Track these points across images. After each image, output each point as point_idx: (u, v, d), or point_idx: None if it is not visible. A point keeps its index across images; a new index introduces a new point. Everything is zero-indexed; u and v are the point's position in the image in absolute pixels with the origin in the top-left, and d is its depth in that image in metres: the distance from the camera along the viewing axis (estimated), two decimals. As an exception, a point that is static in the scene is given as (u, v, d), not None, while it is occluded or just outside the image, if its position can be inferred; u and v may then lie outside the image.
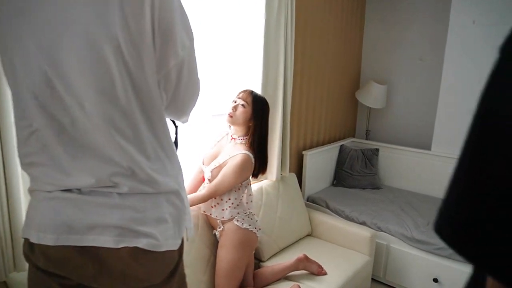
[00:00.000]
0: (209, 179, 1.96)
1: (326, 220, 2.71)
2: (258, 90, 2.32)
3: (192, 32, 0.93)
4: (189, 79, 0.94)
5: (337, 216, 2.81)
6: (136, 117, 0.87)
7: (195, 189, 2.02)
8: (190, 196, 1.93)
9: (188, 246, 1.93)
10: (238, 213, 1.95)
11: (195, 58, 0.96)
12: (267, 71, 2.35)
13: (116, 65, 0.81)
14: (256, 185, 2.50)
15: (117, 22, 0.79)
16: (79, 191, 0.88)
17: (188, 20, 0.91)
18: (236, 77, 2.31)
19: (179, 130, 1.24)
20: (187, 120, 1.11)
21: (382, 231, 2.59)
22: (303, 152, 3.00)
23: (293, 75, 2.76)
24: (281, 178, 2.64)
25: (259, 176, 2.03)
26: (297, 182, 2.80)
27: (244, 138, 1.97)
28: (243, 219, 1.94)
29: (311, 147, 3.17)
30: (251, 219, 1.99)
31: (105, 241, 0.86)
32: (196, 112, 2.08)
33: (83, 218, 0.86)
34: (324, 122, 3.30)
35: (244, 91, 1.98)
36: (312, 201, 3.01)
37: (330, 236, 2.66)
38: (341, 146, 3.41)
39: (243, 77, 2.34)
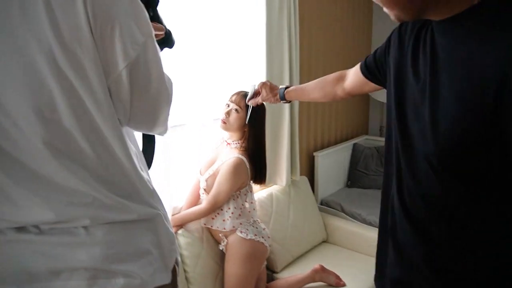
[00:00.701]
0: (204, 189, 1.82)
1: (342, 225, 2.54)
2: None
3: (148, 25, 0.74)
4: (148, 83, 0.76)
5: (354, 220, 2.63)
6: (85, 137, 0.71)
7: (195, 201, 1.88)
8: (191, 211, 1.80)
9: (194, 260, 1.80)
10: (240, 223, 1.80)
11: (155, 56, 0.77)
12: (271, 69, 2.20)
13: (52, 76, 0.66)
14: (265, 192, 2.34)
15: (44, 20, 0.63)
16: (38, 229, 0.73)
17: (142, 11, 0.74)
18: (237, 76, 2.15)
19: (155, 144, 1.08)
20: (164, 131, 0.92)
21: (403, 234, 2.40)
22: (314, 154, 2.83)
23: (300, 72, 2.60)
24: (291, 183, 2.49)
25: (259, 183, 1.88)
26: (309, 185, 2.64)
27: (239, 141, 1.83)
28: (247, 230, 1.79)
29: (322, 147, 3.00)
30: (257, 228, 1.84)
31: (76, 286, 0.72)
32: (194, 116, 1.95)
33: (45, 263, 0.72)
34: (334, 120, 3.12)
35: (237, 93, 1.83)
36: (326, 205, 2.84)
37: (347, 242, 2.49)
38: (354, 144, 3.23)
39: (245, 76, 2.19)
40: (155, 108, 0.81)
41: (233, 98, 1.81)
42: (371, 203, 2.76)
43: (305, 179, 2.63)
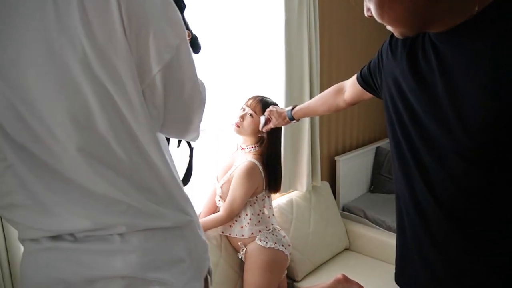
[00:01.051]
0: (220, 196, 1.78)
1: (365, 232, 2.45)
2: (282, 93, 2.12)
3: (182, 27, 0.72)
4: (182, 87, 0.74)
5: (377, 227, 2.53)
6: (120, 143, 0.70)
7: (213, 209, 1.84)
8: (208, 218, 1.77)
9: (212, 269, 1.75)
10: (259, 231, 1.75)
11: (188, 59, 0.74)
12: (290, 74, 2.15)
13: (87, 83, 0.64)
14: (285, 198, 2.29)
15: (78, 24, 0.61)
16: (73, 237, 0.72)
17: (176, 13, 0.71)
18: (256, 80, 2.11)
19: (193, 152, 1.07)
20: (196, 137, 0.91)
21: (430, 243, 2.29)
22: (336, 158, 2.75)
23: (320, 75, 2.53)
24: (312, 188, 2.42)
25: (274, 191, 1.83)
26: (330, 191, 2.56)
27: (253, 146, 1.79)
28: (267, 238, 1.74)
29: (344, 151, 2.92)
30: (276, 236, 1.79)
31: None
32: (211, 121, 1.92)
33: (81, 272, 0.71)
34: (357, 123, 3.03)
35: (254, 98, 1.79)
36: (348, 211, 2.76)
37: (370, 250, 2.40)
38: (377, 148, 3.13)
39: (264, 80, 2.15)
40: (188, 113, 0.79)
41: (249, 102, 1.77)
42: (395, 209, 2.65)
43: (326, 185, 2.55)
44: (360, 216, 2.66)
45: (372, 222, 2.58)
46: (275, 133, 1.78)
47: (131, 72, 0.67)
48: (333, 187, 2.77)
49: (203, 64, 1.82)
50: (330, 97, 1.39)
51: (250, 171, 1.71)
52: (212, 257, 1.75)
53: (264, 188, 1.78)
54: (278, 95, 2.16)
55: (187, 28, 0.99)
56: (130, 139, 0.71)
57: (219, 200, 1.80)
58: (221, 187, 1.79)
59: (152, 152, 0.74)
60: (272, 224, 1.80)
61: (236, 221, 1.77)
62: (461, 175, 0.80)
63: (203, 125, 1.87)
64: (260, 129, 1.65)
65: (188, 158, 1.05)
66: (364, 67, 1.15)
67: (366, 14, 0.81)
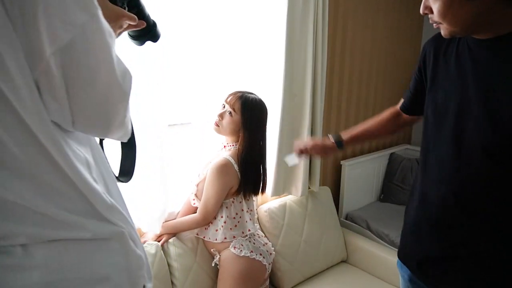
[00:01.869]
0: (196, 195, 1.65)
1: (365, 246, 2.25)
2: (279, 89, 1.94)
3: (91, 2, 0.58)
4: (92, 75, 0.60)
5: (380, 240, 2.32)
6: (16, 142, 0.58)
7: (192, 209, 1.71)
8: (184, 219, 1.65)
9: (185, 273, 1.64)
10: (234, 236, 1.61)
11: (101, 42, 0.60)
12: (291, 68, 1.97)
13: None
14: (278, 202, 2.13)
15: None
16: None
17: None
18: (251, 73, 1.95)
19: (136, 150, 0.92)
20: (124, 136, 0.75)
21: (435, 265, 2.05)
22: (342, 162, 2.55)
23: (329, 74, 2.34)
24: (310, 194, 2.24)
25: (251, 194, 1.66)
26: (331, 197, 2.37)
27: (234, 145, 1.64)
28: (242, 245, 1.60)
29: (354, 155, 2.71)
30: (254, 243, 1.64)
31: None
32: (198, 115, 1.79)
33: None
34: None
35: (234, 94, 1.63)
36: (351, 220, 2.55)
37: (369, 265, 2.20)
38: (391, 154, 2.89)
39: (260, 73, 1.98)
40: (105, 108, 0.65)
41: (229, 99, 1.61)
42: (402, 223, 2.42)
43: (326, 190, 2.36)
44: (362, 226, 2.45)
45: (375, 235, 2.37)
46: (252, 129, 1.61)
47: (16, 57, 0.54)
48: (337, 193, 2.58)
49: (196, 57, 1.69)
50: (389, 122, 1.36)
51: (222, 168, 1.57)
52: (185, 261, 1.65)
53: (242, 189, 1.63)
54: (275, 91, 1.99)
55: (144, 12, 0.89)
56: (27, 137, 0.59)
57: (194, 199, 1.67)
58: (197, 185, 1.66)
59: (55, 153, 0.62)
60: (249, 230, 1.64)
61: (211, 223, 1.64)
62: (485, 173, 0.90)
63: (189, 118, 1.76)
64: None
65: (121, 152, 0.91)
66: (403, 100, 1.25)
67: (422, 12, 0.89)
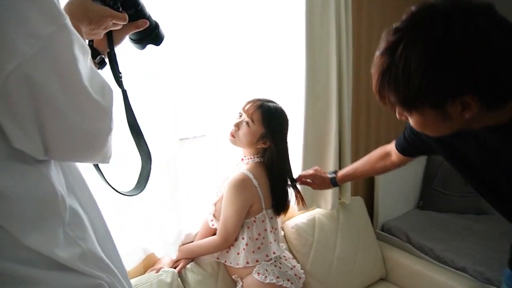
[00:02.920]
0: (214, 215, 1.49)
1: (406, 262, 2.01)
2: (301, 92, 1.76)
3: (58, 11, 0.50)
4: (62, 94, 0.51)
5: (423, 255, 2.08)
6: None
7: (211, 230, 1.54)
8: (202, 242, 1.50)
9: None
10: (257, 260, 1.43)
11: (71, 56, 0.51)
12: (313, 70, 1.78)
13: None
14: (305, 216, 1.93)
15: None
16: None
17: None
18: (271, 77, 1.77)
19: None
20: (105, 158, 0.65)
21: (492, 284, 1.79)
22: (374, 168, 2.32)
23: (355, 72, 2.14)
24: (340, 206, 2.03)
25: (278, 212, 1.49)
26: (365, 208, 2.15)
27: (252, 157, 1.46)
28: (267, 270, 1.42)
29: (387, 160, 2.47)
30: (280, 267, 1.46)
31: None
32: (212, 127, 1.63)
33: None
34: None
35: (253, 102, 1.46)
36: (388, 231, 2.32)
37: (411, 283, 1.96)
38: (429, 156, 2.63)
39: (280, 77, 1.81)
40: (84, 129, 0.56)
41: (246, 107, 1.44)
42: (447, 234, 2.17)
43: (359, 201, 2.15)
44: (401, 239, 2.21)
45: (417, 249, 2.12)
46: (276, 140, 1.44)
47: None
48: (371, 202, 2.36)
49: (206, 59, 1.53)
50: (377, 162, 1.38)
51: (240, 184, 1.40)
52: (205, 289, 1.48)
53: (264, 206, 1.45)
54: (296, 94, 1.81)
55: (143, 14, 0.83)
56: None
57: (212, 220, 1.51)
58: (215, 205, 1.50)
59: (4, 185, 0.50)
60: (274, 253, 1.46)
61: (232, 245, 1.47)
62: None
63: (203, 130, 1.61)
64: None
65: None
66: (398, 139, 1.21)
67: (398, 117, 0.84)
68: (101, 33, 0.76)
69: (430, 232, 2.20)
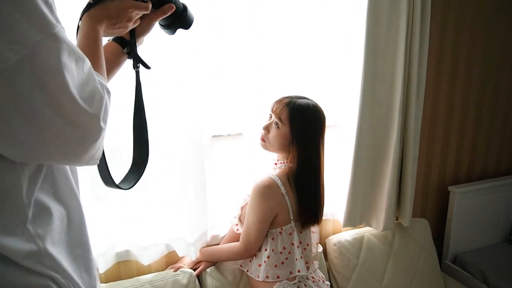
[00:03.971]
0: (239, 219, 1.38)
1: (475, 307, 1.65)
2: (357, 94, 1.55)
3: (46, 19, 0.51)
4: (44, 100, 0.51)
5: (500, 302, 1.69)
6: None
7: (236, 236, 1.44)
8: (224, 247, 1.42)
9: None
10: (278, 276, 1.28)
11: (58, 63, 0.52)
12: (373, 68, 1.55)
13: None
14: (352, 233, 1.71)
15: None
16: None
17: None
18: (321, 76, 1.59)
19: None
20: (89, 161, 0.64)
21: None
22: (450, 188, 1.96)
23: (437, 80, 1.82)
24: (397, 227, 1.75)
25: (306, 223, 1.30)
26: (430, 233, 1.83)
27: (286, 162, 1.31)
28: None
29: (468, 180, 2.08)
30: None
31: None
32: (249, 126, 1.51)
33: None
34: (498, 140, 2.12)
35: (280, 100, 1.29)
36: (460, 265, 1.94)
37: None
38: (531, 180, 2.14)
39: (331, 75, 1.60)
40: (67, 137, 0.56)
41: (274, 107, 1.29)
42: (539, 281, 1.73)
43: (424, 224, 1.83)
44: (476, 277, 1.83)
45: (494, 292, 1.73)
46: (305, 142, 1.26)
47: None
48: (441, 228, 2.00)
49: (252, 56, 1.42)
50: None
51: (264, 190, 1.26)
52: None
53: (293, 218, 1.29)
54: (351, 96, 1.60)
55: None
56: None
57: (237, 224, 1.40)
58: (241, 208, 1.39)
59: None
60: (299, 271, 1.29)
61: (255, 255, 1.35)
62: None
63: (239, 128, 1.51)
64: None
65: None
66: None
67: None
68: (128, 26, 0.77)
69: (515, 274, 1.78)
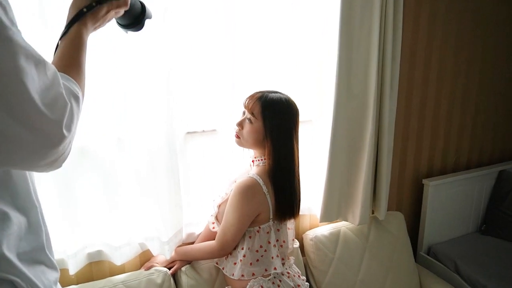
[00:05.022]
0: (216, 218, 1.37)
1: (449, 297, 1.69)
2: (331, 87, 1.54)
3: (3, 25, 0.49)
4: (2, 105, 0.50)
5: (472, 291, 1.73)
6: None
7: (212, 235, 1.42)
8: (199, 246, 1.40)
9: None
10: (253, 273, 1.27)
11: (14, 66, 0.50)
12: (347, 63, 1.55)
13: None
14: (328, 228, 1.72)
15: None
16: None
17: None
18: (292, 68, 1.57)
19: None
20: (52, 165, 0.62)
21: None
22: (424, 181, 2.00)
23: (411, 72, 1.84)
24: (373, 221, 1.77)
25: (282, 218, 1.30)
26: (405, 226, 1.85)
27: (263, 159, 1.29)
28: (262, 287, 1.26)
29: (443, 172, 2.12)
30: (279, 285, 1.28)
31: None
32: (224, 122, 1.49)
33: None
34: (469, 132, 2.17)
35: (252, 96, 1.27)
36: (433, 256, 1.98)
37: (453, 323, 1.64)
38: (500, 172, 2.20)
39: (303, 69, 1.59)
40: (27, 142, 0.54)
41: (246, 102, 1.27)
42: (511, 270, 1.78)
43: (399, 217, 1.86)
44: (448, 268, 1.87)
45: (466, 282, 1.78)
46: (278, 137, 1.25)
47: None
48: (416, 220, 2.04)
49: (224, 50, 1.39)
50: None
51: (247, 191, 1.24)
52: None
53: (272, 217, 1.28)
54: (326, 90, 1.59)
55: None
56: None
57: (213, 223, 1.38)
58: (218, 207, 1.37)
59: None
60: (275, 269, 1.29)
61: (230, 254, 1.34)
62: None
63: (213, 125, 1.48)
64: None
65: None
66: None
67: None
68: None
69: (487, 264, 1.83)
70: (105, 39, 1.18)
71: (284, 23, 1.49)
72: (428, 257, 1.97)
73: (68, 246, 1.28)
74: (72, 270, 1.29)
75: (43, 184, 1.21)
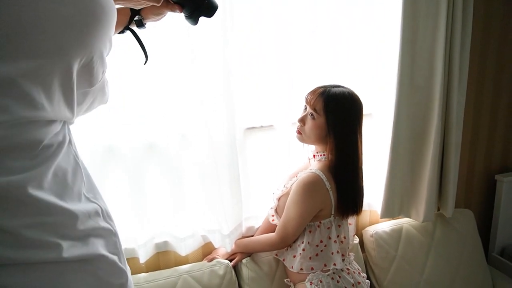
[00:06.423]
0: (276, 211, 1.37)
1: (526, 302, 1.56)
2: (393, 79, 1.48)
3: None
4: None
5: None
6: None
7: (271, 227, 1.43)
8: (259, 239, 1.42)
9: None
10: (312, 268, 1.27)
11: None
12: (411, 53, 1.47)
13: None
14: (389, 224, 1.66)
15: None
16: None
17: None
18: (352, 62, 1.52)
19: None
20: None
21: None
22: (497, 177, 1.85)
23: (482, 64, 1.71)
24: (438, 218, 1.68)
25: (344, 214, 1.27)
26: (475, 224, 1.74)
27: (325, 154, 1.28)
28: (321, 282, 1.25)
29: (518, 167, 1.95)
30: (338, 281, 1.27)
31: None
32: (281, 118, 1.49)
33: None
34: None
35: (314, 91, 1.25)
36: (508, 258, 1.84)
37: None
38: None
39: (363, 61, 1.54)
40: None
41: (308, 98, 1.26)
42: None
43: (469, 215, 1.74)
44: (525, 271, 1.73)
45: (547, 287, 1.63)
46: (342, 132, 1.23)
47: None
48: (487, 218, 1.90)
49: (281, 45, 1.40)
50: None
51: (310, 187, 1.24)
52: (259, 287, 1.41)
53: (334, 212, 1.27)
54: (388, 82, 1.53)
55: None
56: None
57: (273, 215, 1.40)
58: (278, 200, 1.38)
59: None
60: (334, 264, 1.27)
61: (290, 246, 1.35)
62: None
63: (271, 120, 1.50)
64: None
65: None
66: None
67: None
68: (140, 2, 0.78)
69: None
70: (170, 43, 1.24)
71: (342, 17, 1.45)
72: (502, 258, 1.83)
73: (139, 236, 1.36)
74: (142, 259, 1.38)
75: (115, 178, 1.31)
